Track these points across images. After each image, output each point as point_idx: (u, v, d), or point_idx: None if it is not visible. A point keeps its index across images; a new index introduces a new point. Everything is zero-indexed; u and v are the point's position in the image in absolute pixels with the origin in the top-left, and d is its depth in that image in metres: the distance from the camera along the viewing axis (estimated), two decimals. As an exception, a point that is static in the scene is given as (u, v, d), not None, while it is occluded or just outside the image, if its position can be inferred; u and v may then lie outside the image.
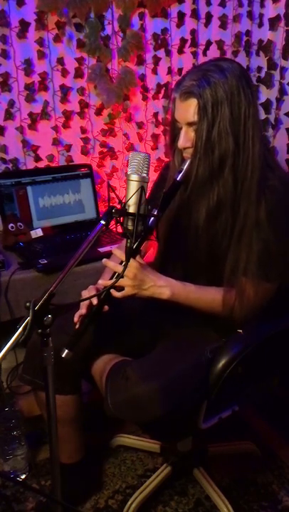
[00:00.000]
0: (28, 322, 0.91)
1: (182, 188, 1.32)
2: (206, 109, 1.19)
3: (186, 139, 1.27)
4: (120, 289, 1.27)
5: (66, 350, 1.20)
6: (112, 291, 1.26)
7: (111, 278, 1.28)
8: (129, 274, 1.24)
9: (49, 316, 0.96)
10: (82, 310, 1.29)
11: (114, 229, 1.92)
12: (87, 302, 1.29)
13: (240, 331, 1.32)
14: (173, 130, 1.34)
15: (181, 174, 1.29)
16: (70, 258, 1.04)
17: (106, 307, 1.26)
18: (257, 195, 1.25)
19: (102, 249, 1.82)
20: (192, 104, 1.21)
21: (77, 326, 1.29)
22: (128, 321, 1.49)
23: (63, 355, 1.20)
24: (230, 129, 1.21)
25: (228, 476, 1.68)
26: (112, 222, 1.16)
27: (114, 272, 1.26)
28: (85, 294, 1.33)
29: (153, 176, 1.48)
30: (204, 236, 1.32)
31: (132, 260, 1.24)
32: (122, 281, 1.26)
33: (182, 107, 1.24)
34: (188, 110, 1.22)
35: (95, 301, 1.26)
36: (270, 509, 1.58)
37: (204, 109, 1.19)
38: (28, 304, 0.92)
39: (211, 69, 1.21)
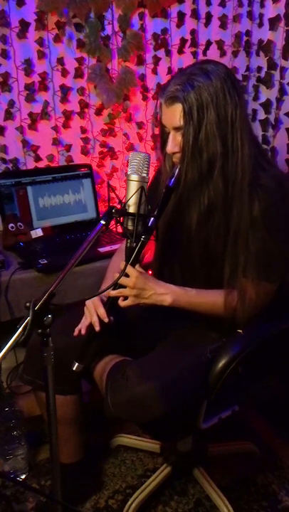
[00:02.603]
0: (28, 322, 0.91)
1: (174, 193, 1.32)
2: (192, 113, 1.19)
3: (174, 143, 1.26)
4: (123, 298, 1.29)
5: (76, 364, 1.26)
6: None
7: (114, 287, 1.28)
8: (129, 283, 1.26)
9: (49, 316, 0.96)
10: (82, 330, 1.33)
11: (114, 229, 1.92)
12: (86, 323, 1.32)
13: (240, 331, 1.32)
14: (162, 135, 1.33)
15: (172, 180, 1.29)
16: (70, 258, 1.05)
17: (111, 318, 1.28)
18: (249, 195, 1.24)
19: (102, 249, 1.82)
20: (177, 109, 1.21)
21: (75, 333, 1.34)
22: (128, 321, 1.49)
23: (74, 369, 1.26)
24: (217, 132, 1.20)
25: (228, 476, 1.68)
26: (112, 222, 1.16)
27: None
28: (89, 304, 1.33)
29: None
30: (196, 240, 1.33)
31: (131, 270, 1.25)
32: (122, 291, 1.28)
33: (168, 112, 1.24)
34: (174, 115, 1.22)
35: (97, 327, 1.28)
36: (270, 509, 1.58)
37: (190, 114, 1.19)
38: (28, 304, 0.93)
39: (195, 72, 1.21)
